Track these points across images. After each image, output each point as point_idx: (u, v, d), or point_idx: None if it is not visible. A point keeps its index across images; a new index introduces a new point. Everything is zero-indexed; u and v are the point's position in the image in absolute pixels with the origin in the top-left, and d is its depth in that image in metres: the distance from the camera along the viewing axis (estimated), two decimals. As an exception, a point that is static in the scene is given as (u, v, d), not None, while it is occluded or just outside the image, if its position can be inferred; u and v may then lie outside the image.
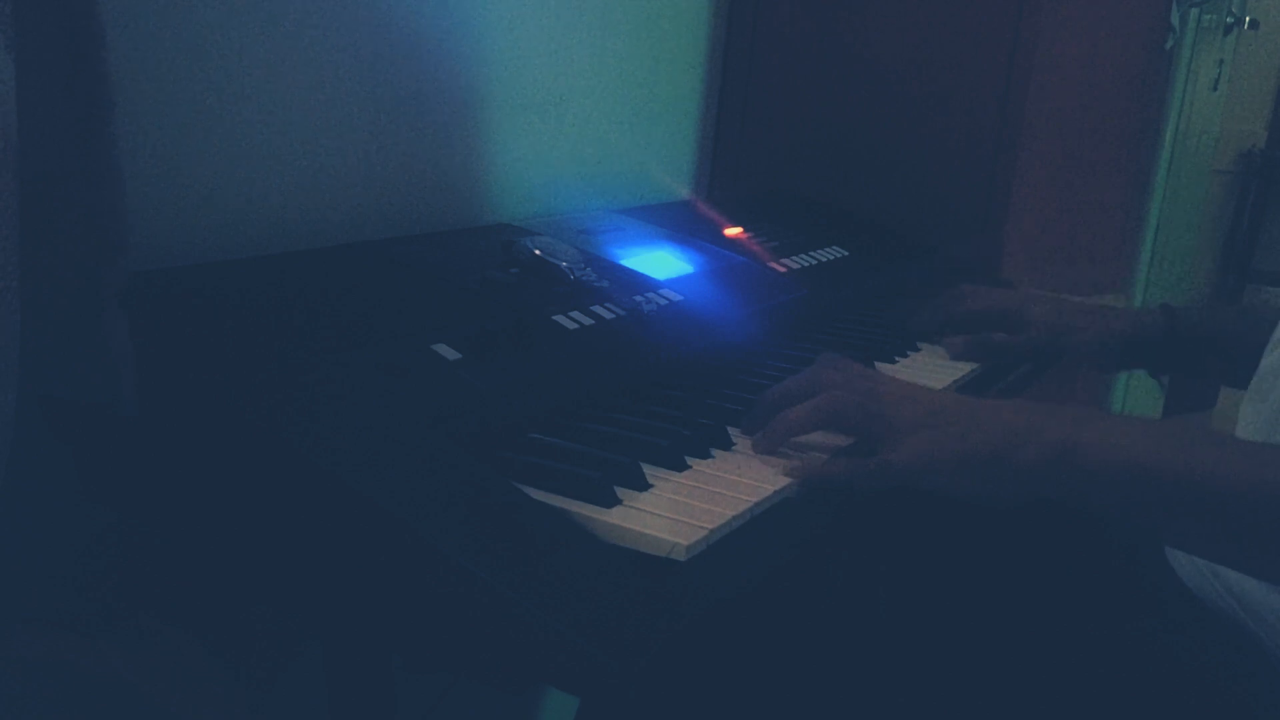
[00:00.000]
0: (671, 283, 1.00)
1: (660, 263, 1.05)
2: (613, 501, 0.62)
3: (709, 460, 0.72)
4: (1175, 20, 1.88)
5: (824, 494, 0.71)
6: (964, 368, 1.02)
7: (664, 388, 0.85)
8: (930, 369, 1.01)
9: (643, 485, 0.65)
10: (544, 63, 1.22)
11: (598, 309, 0.88)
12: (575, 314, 0.86)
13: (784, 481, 0.69)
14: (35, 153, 0.59)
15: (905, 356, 1.04)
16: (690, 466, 0.70)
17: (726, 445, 0.75)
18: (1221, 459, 0.64)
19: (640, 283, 0.98)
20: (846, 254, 1.29)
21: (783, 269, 1.16)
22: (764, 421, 0.76)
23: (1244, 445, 0.71)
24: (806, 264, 1.21)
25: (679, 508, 0.63)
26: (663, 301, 0.95)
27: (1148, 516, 0.69)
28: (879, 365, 0.97)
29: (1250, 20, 2.38)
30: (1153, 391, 2.29)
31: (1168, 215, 2.21)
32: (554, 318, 0.84)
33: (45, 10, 0.58)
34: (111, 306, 0.63)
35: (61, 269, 0.62)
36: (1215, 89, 2.33)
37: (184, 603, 0.83)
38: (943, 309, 1.13)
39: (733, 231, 1.22)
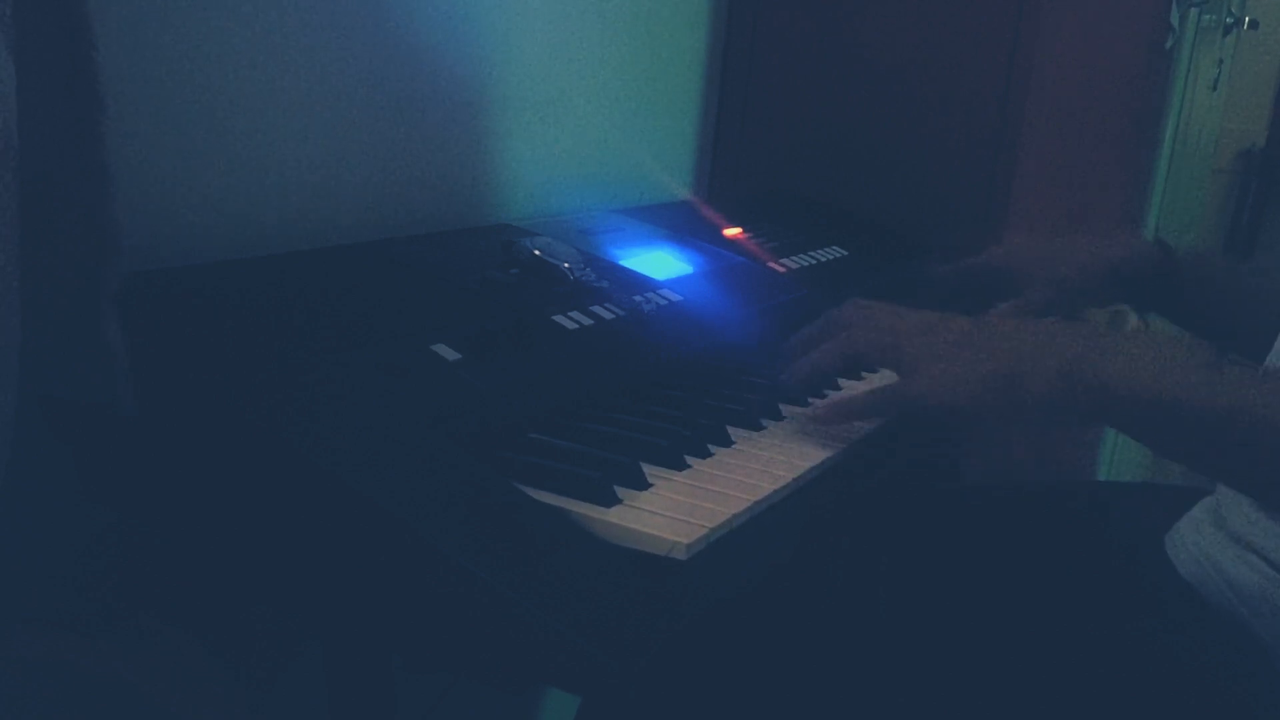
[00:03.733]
0: (671, 283, 1.00)
1: (660, 263, 1.05)
2: (613, 501, 0.62)
3: (709, 459, 0.72)
4: (1175, 20, 1.88)
5: (822, 481, 0.71)
6: None
7: (664, 388, 0.85)
8: None
9: (643, 485, 0.65)
10: (544, 63, 1.22)
11: (597, 309, 0.88)
12: (575, 314, 0.86)
13: (784, 480, 0.69)
14: (34, 153, 0.59)
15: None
16: (690, 466, 0.70)
17: (726, 444, 0.75)
18: (1231, 384, 0.66)
19: (640, 283, 0.98)
20: (846, 254, 1.29)
21: (783, 269, 1.16)
22: (790, 367, 0.79)
23: (1257, 373, 0.72)
24: (806, 264, 1.21)
25: (679, 507, 0.63)
26: (662, 301, 0.95)
27: (1155, 435, 0.71)
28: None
29: (1250, 20, 2.38)
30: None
31: (1168, 215, 2.21)
32: (554, 318, 0.84)
33: (43, 10, 0.58)
34: (109, 306, 0.63)
35: (60, 269, 0.62)
36: (1215, 89, 2.33)
37: (184, 603, 0.83)
38: (929, 294, 1.11)
39: (732, 231, 1.22)
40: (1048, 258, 1.05)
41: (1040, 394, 0.70)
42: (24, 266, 0.59)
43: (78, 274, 0.62)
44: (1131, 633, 0.80)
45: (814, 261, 1.22)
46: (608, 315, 0.88)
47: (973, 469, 1.31)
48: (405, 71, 1.05)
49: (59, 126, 0.60)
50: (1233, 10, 2.26)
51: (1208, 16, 2.13)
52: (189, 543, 0.76)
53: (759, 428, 0.79)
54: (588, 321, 0.86)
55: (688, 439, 0.72)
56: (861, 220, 1.41)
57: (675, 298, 0.97)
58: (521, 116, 1.20)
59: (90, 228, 0.62)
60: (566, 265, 0.92)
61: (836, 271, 1.24)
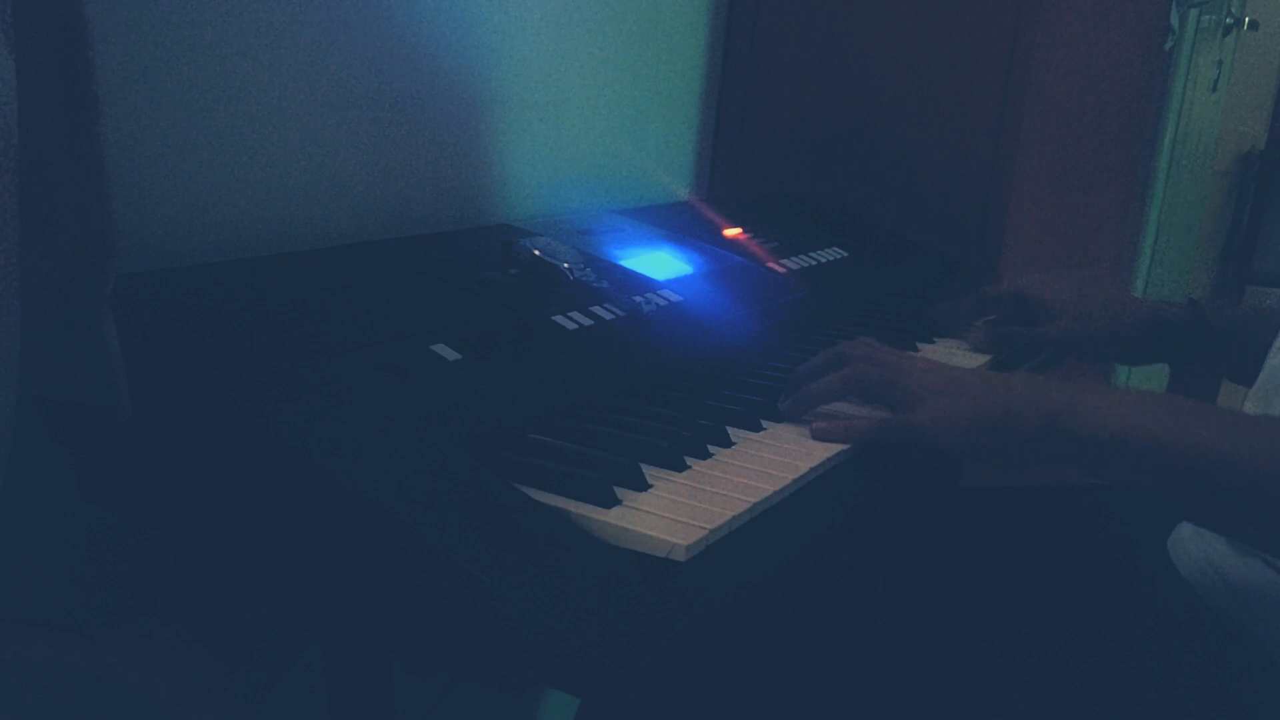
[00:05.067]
0: (671, 283, 1.00)
1: (660, 263, 1.05)
2: (612, 502, 0.62)
3: (709, 460, 0.72)
4: (1175, 21, 1.88)
5: (821, 482, 0.72)
6: (971, 361, 1.03)
7: (664, 388, 0.85)
8: None
9: (642, 485, 0.65)
10: (543, 63, 1.22)
11: (597, 309, 0.88)
12: (575, 314, 0.86)
13: (783, 481, 0.69)
14: (30, 153, 0.59)
15: (905, 357, 1.03)
16: (690, 467, 0.70)
17: (726, 445, 0.75)
18: (1213, 430, 0.69)
19: (640, 283, 0.98)
20: (846, 254, 1.29)
21: (782, 269, 1.16)
22: (795, 394, 0.82)
23: (1238, 416, 0.75)
24: (806, 264, 1.21)
25: (678, 508, 0.63)
26: (662, 302, 0.95)
27: (1141, 483, 0.75)
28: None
29: (1250, 21, 2.38)
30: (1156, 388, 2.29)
31: (1167, 216, 2.21)
32: (554, 318, 0.84)
33: (39, 10, 0.58)
34: (106, 308, 0.63)
35: (56, 270, 0.62)
36: (1214, 90, 2.33)
37: (184, 604, 0.83)
38: (965, 304, 1.13)
39: (732, 232, 1.22)
40: (1097, 309, 1.07)
41: (1026, 435, 0.74)
42: (22, 268, 0.59)
43: (74, 275, 0.62)
44: (1133, 634, 0.80)
45: (814, 262, 1.22)
46: (608, 315, 0.88)
47: (973, 469, 1.31)
48: (405, 72, 1.05)
49: (55, 127, 0.60)
50: (1232, 11, 2.26)
51: (1207, 17, 2.13)
52: (189, 544, 0.76)
53: (759, 428, 0.79)
54: (588, 322, 0.86)
55: (687, 440, 0.72)
56: (861, 221, 1.41)
57: (675, 298, 0.97)
58: (521, 117, 1.20)
59: (86, 229, 0.62)
60: (566, 266, 0.92)
61: (836, 272, 1.24)
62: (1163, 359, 1.12)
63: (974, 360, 1.04)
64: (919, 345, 1.07)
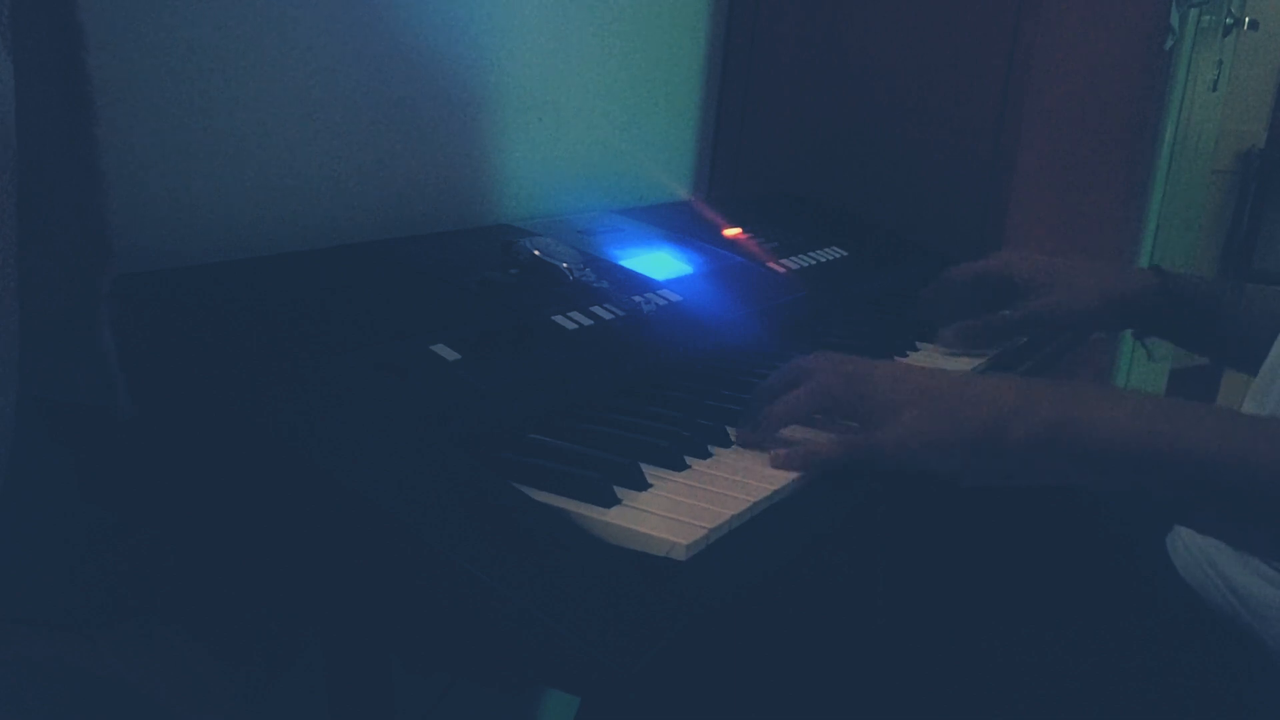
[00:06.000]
0: (671, 283, 1.00)
1: (659, 263, 1.05)
2: (612, 501, 0.62)
3: (708, 460, 0.72)
4: (1175, 21, 1.88)
5: (821, 483, 0.71)
6: (967, 363, 1.02)
7: (664, 388, 0.85)
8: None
9: (642, 485, 0.65)
10: (543, 63, 1.22)
11: (597, 309, 0.88)
12: (575, 314, 0.86)
13: (783, 480, 0.69)
14: (27, 154, 0.59)
15: (904, 356, 1.04)
16: (690, 466, 0.70)
17: (726, 445, 0.75)
18: (1213, 433, 0.64)
19: (639, 283, 0.98)
20: (846, 254, 1.29)
21: (782, 269, 1.16)
22: (755, 417, 0.75)
23: (1237, 418, 0.71)
24: (806, 264, 1.21)
25: (679, 507, 0.63)
26: (662, 302, 0.95)
27: (1141, 492, 0.69)
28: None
29: (1250, 21, 2.38)
30: (1155, 387, 2.30)
31: (1167, 216, 2.21)
32: (553, 318, 0.84)
33: (35, 11, 0.58)
34: (103, 309, 0.63)
35: (53, 271, 0.62)
36: (1215, 89, 2.33)
37: (184, 604, 0.83)
38: (935, 295, 1.12)
39: (732, 232, 1.22)
40: (1062, 280, 1.05)
41: (1016, 452, 0.67)
42: (20, 268, 0.59)
43: (71, 276, 0.62)
44: (1133, 634, 0.80)
45: (814, 261, 1.22)
46: (607, 315, 0.88)
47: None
48: (405, 72, 1.05)
49: (52, 128, 0.60)
50: (1232, 11, 2.26)
51: (1207, 17, 2.13)
52: (189, 544, 0.76)
53: (759, 428, 0.79)
54: (587, 322, 0.86)
55: (687, 439, 0.72)
56: (861, 220, 1.41)
57: (675, 298, 0.97)
58: (521, 117, 1.20)
59: (83, 229, 0.62)
60: (566, 266, 0.92)
61: (836, 271, 1.24)
62: (1129, 327, 1.10)
63: (973, 359, 1.04)
64: (918, 344, 1.07)
